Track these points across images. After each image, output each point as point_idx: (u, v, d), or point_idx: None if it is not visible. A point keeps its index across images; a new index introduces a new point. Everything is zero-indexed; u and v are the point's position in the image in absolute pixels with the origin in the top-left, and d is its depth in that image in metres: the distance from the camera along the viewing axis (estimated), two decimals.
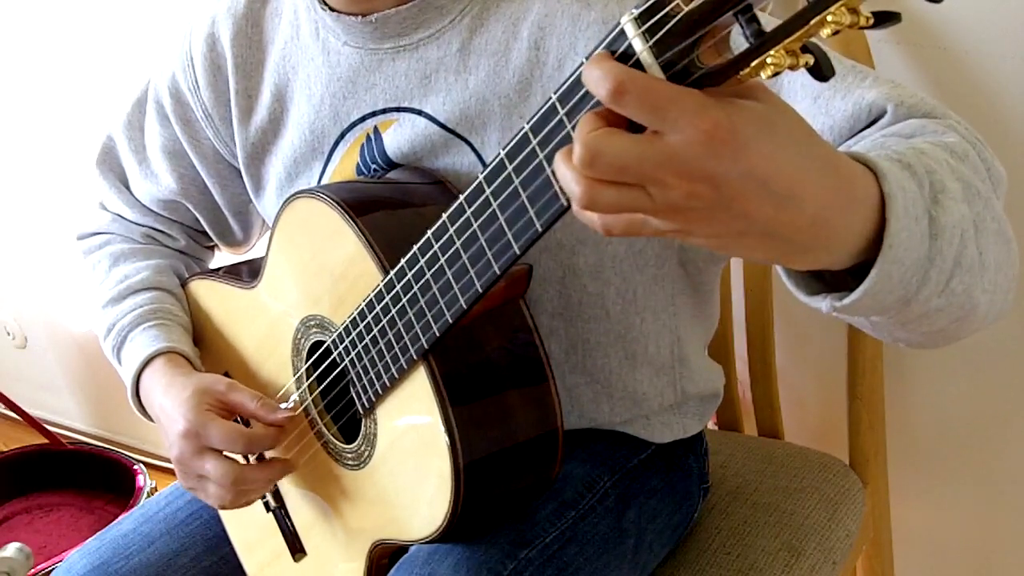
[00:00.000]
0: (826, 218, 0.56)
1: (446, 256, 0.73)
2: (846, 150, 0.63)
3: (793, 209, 0.55)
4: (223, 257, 1.19)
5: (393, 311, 0.79)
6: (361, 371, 0.85)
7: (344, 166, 0.95)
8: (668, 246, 0.91)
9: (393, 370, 0.82)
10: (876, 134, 0.73)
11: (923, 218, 0.61)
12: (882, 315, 0.64)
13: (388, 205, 0.87)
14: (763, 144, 0.53)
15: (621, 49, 0.54)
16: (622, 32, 0.54)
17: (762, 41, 0.51)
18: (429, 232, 0.74)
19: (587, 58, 0.56)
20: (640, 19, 0.53)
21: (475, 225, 0.69)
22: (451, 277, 0.73)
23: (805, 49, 0.51)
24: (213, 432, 0.91)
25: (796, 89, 0.78)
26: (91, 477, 2.06)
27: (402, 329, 0.79)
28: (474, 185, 0.68)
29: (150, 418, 1.01)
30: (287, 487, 1.02)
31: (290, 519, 1.03)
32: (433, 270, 0.75)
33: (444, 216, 0.72)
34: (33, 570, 1.66)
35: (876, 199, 0.59)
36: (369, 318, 0.82)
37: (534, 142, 0.61)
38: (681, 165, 0.52)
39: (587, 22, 0.83)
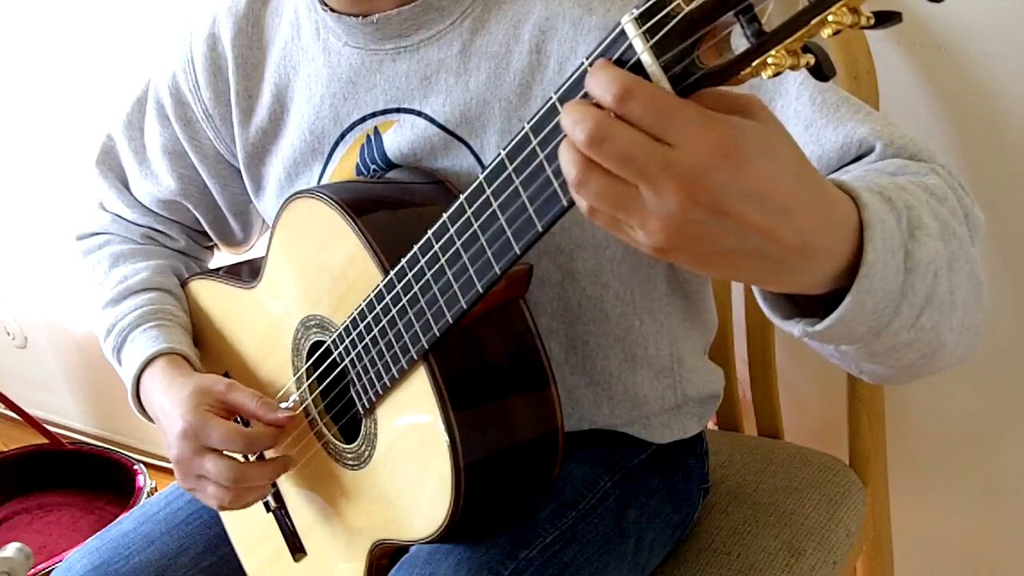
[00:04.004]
0: (813, 240, 0.57)
1: (446, 256, 0.73)
2: (828, 177, 0.64)
3: (787, 228, 0.55)
4: (223, 257, 1.19)
5: (393, 311, 0.79)
6: (361, 371, 0.85)
7: (344, 167, 0.95)
8: None
9: (393, 370, 0.82)
10: (860, 169, 0.74)
11: (899, 251, 0.62)
12: (852, 345, 0.65)
13: (388, 205, 0.87)
14: (764, 161, 0.54)
15: (621, 49, 0.54)
16: (622, 32, 0.54)
17: (763, 41, 0.51)
18: (429, 232, 0.74)
19: (587, 58, 0.56)
20: (640, 19, 0.53)
21: (475, 225, 0.69)
22: (451, 277, 0.73)
23: (806, 49, 0.51)
24: (212, 432, 0.91)
25: (789, 115, 0.79)
26: (91, 477, 2.06)
27: (402, 329, 0.79)
28: (474, 185, 0.68)
29: (150, 419, 1.01)
30: (287, 487, 1.02)
31: (290, 519, 1.03)
32: (433, 270, 0.74)
33: (444, 216, 0.72)
34: (33, 570, 1.66)
35: (855, 227, 0.60)
36: (369, 318, 0.82)
37: (534, 142, 0.61)
38: (682, 173, 0.52)
39: (588, 26, 0.83)
